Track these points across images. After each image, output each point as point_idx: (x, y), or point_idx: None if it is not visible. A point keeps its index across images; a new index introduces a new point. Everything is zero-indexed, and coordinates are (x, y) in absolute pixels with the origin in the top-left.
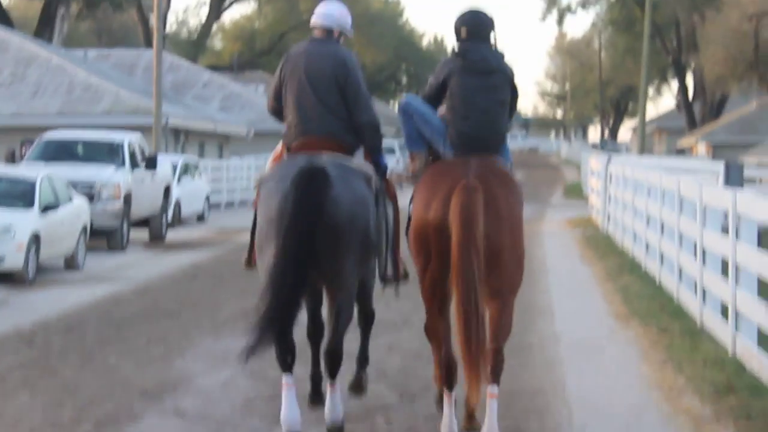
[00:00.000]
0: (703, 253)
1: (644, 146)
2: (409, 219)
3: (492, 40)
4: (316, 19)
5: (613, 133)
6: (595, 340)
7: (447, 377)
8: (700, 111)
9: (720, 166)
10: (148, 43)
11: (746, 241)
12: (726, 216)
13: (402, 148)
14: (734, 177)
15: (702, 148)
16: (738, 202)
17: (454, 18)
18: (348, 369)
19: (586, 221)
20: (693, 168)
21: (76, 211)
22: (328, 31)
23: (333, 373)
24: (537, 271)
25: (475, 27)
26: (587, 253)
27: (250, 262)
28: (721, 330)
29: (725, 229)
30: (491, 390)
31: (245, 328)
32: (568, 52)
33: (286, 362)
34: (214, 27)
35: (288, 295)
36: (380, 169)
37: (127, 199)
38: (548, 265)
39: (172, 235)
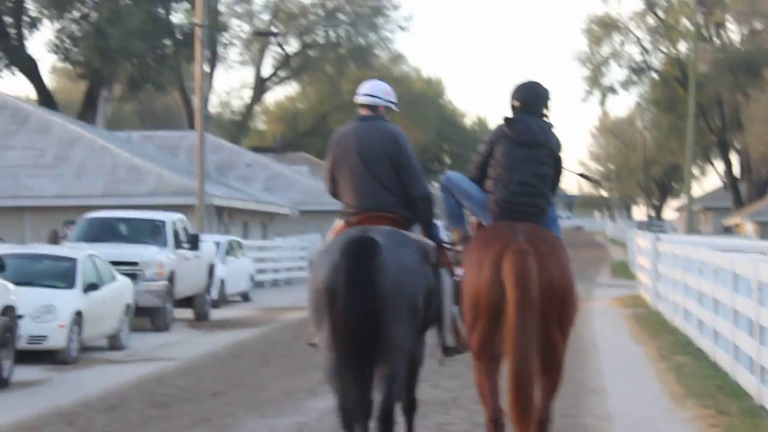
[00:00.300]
0: (761, 331)
1: (692, 225)
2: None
3: (545, 113)
4: (360, 98)
5: (658, 212)
6: (651, 421)
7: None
8: (746, 190)
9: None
10: (191, 125)
11: None
12: None
13: (443, 226)
14: None
15: (749, 227)
16: None
17: (510, 89)
18: None
19: (635, 299)
20: (742, 247)
21: (120, 290)
22: (373, 108)
23: None
24: (588, 350)
25: (527, 99)
26: (638, 331)
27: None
28: None
29: None
30: None
31: (290, 407)
32: (612, 132)
33: (352, 423)
34: (257, 108)
35: (354, 370)
36: (436, 241)
37: (171, 278)
38: (599, 344)
39: (216, 314)
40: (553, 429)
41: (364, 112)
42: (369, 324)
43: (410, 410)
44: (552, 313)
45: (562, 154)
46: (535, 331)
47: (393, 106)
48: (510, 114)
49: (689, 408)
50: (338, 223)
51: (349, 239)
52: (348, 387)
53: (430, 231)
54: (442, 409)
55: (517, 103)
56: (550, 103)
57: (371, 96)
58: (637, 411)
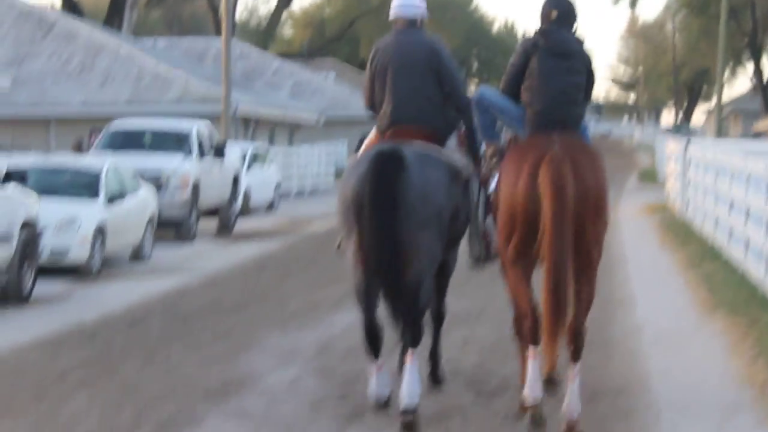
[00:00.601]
0: None
1: (721, 130)
2: (493, 195)
3: (574, 28)
4: (397, 10)
5: (687, 116)
6: (679, 332)
7: (533, 331)
8: None
9: None
10: (218, 32)
11: None
12: None
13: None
14: None
15: None
16: None
17: (542, 1)
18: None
19: (663, 207)
20: None
21: (143, 201)
22: (411, 21)
23: (414, 343)
24: (616, 260)
25: (561, 12)
26: (666, 240)
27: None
28: None
29: None
30: (573, 370)
31: (313, 321)
32: (641, 36)
33: (376, 344)
34: (284, 15)
35: (378, 282)
36: (474, 151)
37: (195, 189)
38: (627, 254)
39: (241, 224)
40: (585, 341)
41: (401, 24)
42: (394, 236)
43: (438, 321)
44: (587, 222)
45: (593, 68)
46: (571, 238)
47: (425, 14)
48: (541, 25)
49: (719, 319)
50: (373, 133)
51: (378, 153)
52: (372, 306)
53: (472, 138)
54: (468, 322)
55: (552, 15)
56: (576, 21)
57: (408, 9)
58: (666, 322)
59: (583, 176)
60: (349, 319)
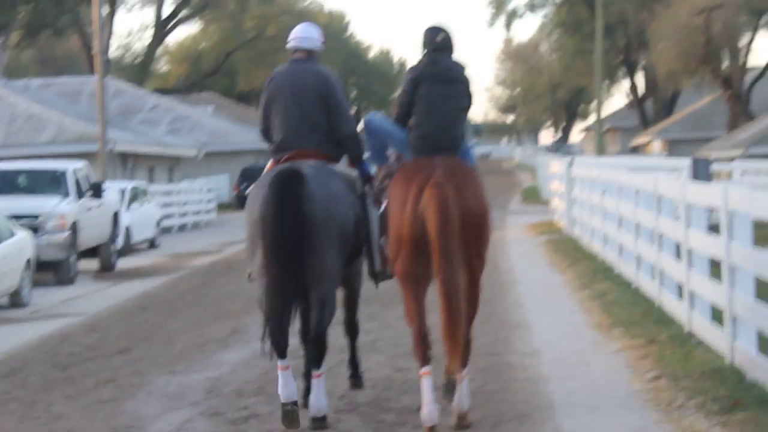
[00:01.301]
0: (689, 254)
1: (601, 146)
2: (382, 213)
3: (454, 54)
4: (296, 42)
5: (565, 135)
6: (578, 354)
7: (423, 352)
8: (652, 108)
9: (679, 163)
10: (92, 70)
11: (740, 240)
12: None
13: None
14: (702, 172)
15: (657, 146)
16: (730, 198)
17: (423, 31)
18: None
19: (549, 225)
20: (654, 166)
21: (19, 244)
22: (308, 52)
23: (318, 362)
24: (506, 282)
25: (444, 39)
26: (555, 259)
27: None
28: (714, 337)
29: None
30: (462, 372)
31: (200, 361)
32: (517, 57)
33: (281, 348)
34: (159, 50)
35: (280, 291)
36: (365, 175)
37: (74, 230)
38: (517, 275)
39: (123, 263)
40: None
41: (298, 55)
42: (299, 249)
43: (353, 334)
44: (470, 238)
45: (472, 89)
46: (459, 255)
47: (322, 47)
48: (426, 52)
49: (616, 338)
50: (270, 162)
51: (277, 172)
52: (276, 311)
53: (359, 166)
54: (362, 355)
55: (434, 42)
56: (456, 45)
57: (306, 41)
58: (563, 344)
59: (464, 197)
60: (237, 357)
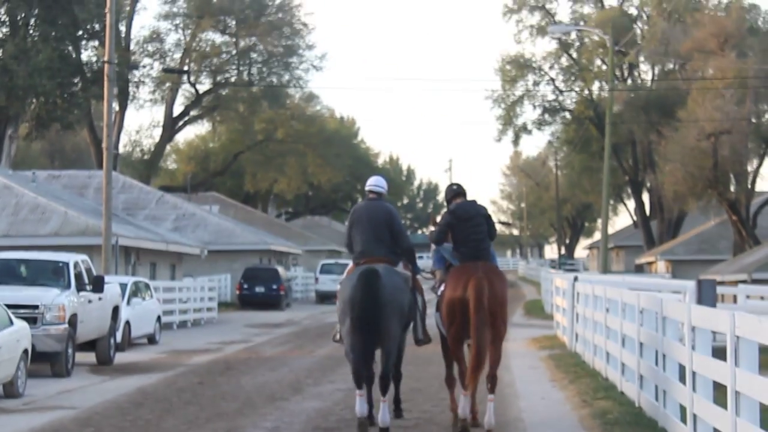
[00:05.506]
0: (693, 377)
1: (606, 264)
2: (440, 299)
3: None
4: (371, 187)
5: (569, 250)
6: None
7: (463, 379)
8: (657, 229)
9: (684, 284)
10: (100, 164)
11: (746, 366)
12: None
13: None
14: (707, 295)
15: (662, 266)
16: (737, 324)
17: (445, 189)
18: None
19: (552, 340)
20: (661, 286)
21: (16, 335)
22: (378, 194)
23: (384, 391)
24: (507, 396)
25: (459, 192)
26: (557, 375)
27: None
28: None
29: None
30: (490, 397)
31: None
32: (524, 171)
33: (360, 382)
34: (168, 148)
35: (363, 347)
36: (415, 271)
37: (73, 322)
38: (518, 389)
39: (121, 357)
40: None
41: (371, 195)
42: (374, 322)
43: (397, 379)
44: (497, 312)
45: (489, 214)
46: (487, 323)
47: (386, 191)
48: (449, 203)
49: None
50: (351, 264)
51: (362, 270)
52: (359, 360)
53: (413, 266)
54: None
55: (455, 196)
56: (467, 192)
57: (377, 186)
58: None
59: (494, 287)
60: None
